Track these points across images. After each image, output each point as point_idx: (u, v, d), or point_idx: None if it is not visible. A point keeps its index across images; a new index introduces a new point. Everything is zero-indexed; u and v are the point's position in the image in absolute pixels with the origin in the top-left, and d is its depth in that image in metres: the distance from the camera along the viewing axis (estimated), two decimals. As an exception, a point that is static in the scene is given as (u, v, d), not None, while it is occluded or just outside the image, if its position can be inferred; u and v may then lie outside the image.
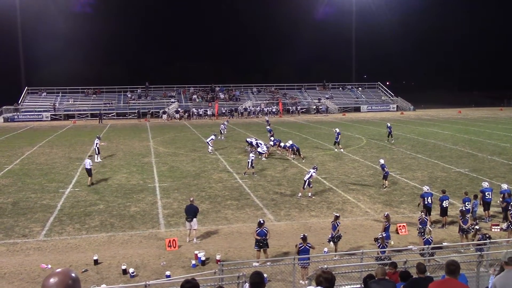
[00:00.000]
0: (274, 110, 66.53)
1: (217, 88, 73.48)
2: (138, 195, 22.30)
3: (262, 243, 14.66)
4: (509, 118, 58.32)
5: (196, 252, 14.78)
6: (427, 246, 14.59)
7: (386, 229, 15.10)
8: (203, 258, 14.62)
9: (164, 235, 16.79)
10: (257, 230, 14.76)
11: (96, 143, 31.42)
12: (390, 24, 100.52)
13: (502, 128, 46.40)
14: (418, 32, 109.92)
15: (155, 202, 21.25)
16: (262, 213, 19.51)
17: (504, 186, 19.03)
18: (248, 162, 26.21)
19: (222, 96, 71.02)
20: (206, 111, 64.29)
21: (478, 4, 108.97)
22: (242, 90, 74.80)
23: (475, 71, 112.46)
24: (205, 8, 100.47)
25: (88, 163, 24.56)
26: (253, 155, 27.04)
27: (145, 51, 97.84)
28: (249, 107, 66.53)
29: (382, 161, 24.17)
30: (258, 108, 66.72)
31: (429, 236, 14.88)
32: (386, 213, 16.10)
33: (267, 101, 70.08)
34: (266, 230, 14.73)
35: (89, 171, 24.40)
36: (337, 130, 34.41)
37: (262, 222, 14.92)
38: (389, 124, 39.26)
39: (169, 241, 15.64)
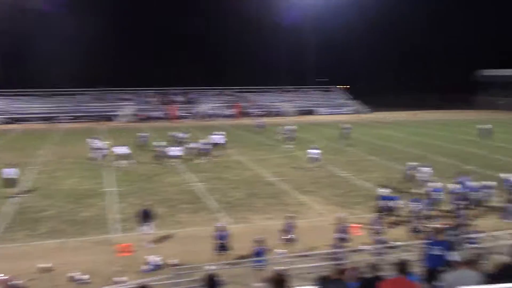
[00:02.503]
0: (232, 113, 66.58)
1: (174, 91, 72.92)
2: (90, 200, 21.88)
3: (222, 247, 14.64)
4: (460, 121, 60.22)
5: (151, 257, 14.60)
6: (380, 245, 14.91)
7: (339, 231, 15.33)
8: (158, 263, 14.46)
9: (117, 241, 16.51)
10: (217, 233, 14.74)
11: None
12: (349, 28, 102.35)
13: (454, 131, 47.82)
14: (377, 35, 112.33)
15: (108, 206, 20.89)
16: (218, 216, 19.48)
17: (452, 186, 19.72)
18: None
19: (179, 99, 70.56)
20: (164, 113, 63.79)
21: (438, 10, 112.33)
22: (200, 92, 74.48)
23: (433, 74, 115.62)
24: (160, 8, 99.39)
25: (10, 172, 22.91)
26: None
27: (101, 53, 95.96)
28: (206, 110, 66.39)
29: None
30: (216, 111, 66.64)
31: (382, 236, 15.21)
32: (339, 214, 16.37)
33: (225, 104, 70.04)
34: (226, 234, 14.74)
35: (10, 181, 22.57)
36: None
37: (222, 225, 14.94)
38: (346, 126, 39.99)
39: (123, 247, 15.39)
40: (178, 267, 13.81)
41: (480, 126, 41.78)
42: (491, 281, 6.85)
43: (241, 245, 16.05)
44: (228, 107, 68.85)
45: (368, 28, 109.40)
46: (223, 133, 37.54)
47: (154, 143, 34.02)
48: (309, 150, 29.92)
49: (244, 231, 17.70)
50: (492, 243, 14.37)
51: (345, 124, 44.11)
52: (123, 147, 31.68)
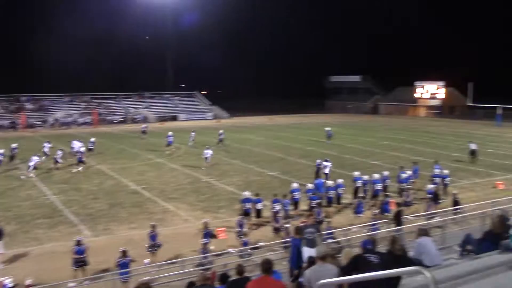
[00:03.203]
0: (88, 120, 63.67)
1: (24, 98, 67.73)
2: None
3: (80, 262, 13.93)
4: (312, 124, 63.99)
5: (1, 279, 13.40)
6: (245, 247, 15.30)
7: (205, 235, 15.45)
8: (10, 285, 13.30)
9: (-38, 264, 14.90)
10: (74, 248, 13.98)
11: None
12: (207, 34, 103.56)
13: (307, 133, 50.70)
14: (235, 42, 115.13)
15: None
16: (78, 229, 18.52)
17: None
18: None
19: (29, 106, 65.71)
20: (13, 122, 58.98)
21: (291, 16, 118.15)
22: (53, 99, 70.11)
23: (286, 80, 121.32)
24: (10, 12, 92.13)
25: None
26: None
27: None
28: (60, 117, 62.72)
29: None
30: (71, 118, 63.24)
31: (247, 238, 15.63)
32: (204, 219, 16.51)
33: (81, 111, 66.75)
34: (84, 248, 14.05)
35: None
36: None
37: (79, 239, 14.19)
38: (220, 131, 41.28)
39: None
40: (32, 287, 12.87)
41: (327, 129, 44.87)
42: (344, 273, 7.37)
43: (105, 258, 15.42)
44: (84, 114, 65.71)
45: (227, 35, 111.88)
46: (93, 139, 37.67)
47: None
48: (205, 151, 31.39)
49: (107, 243, 17.03)
50: (346, 237, 15.48)
51: (220, 130, 44.63)
52: None
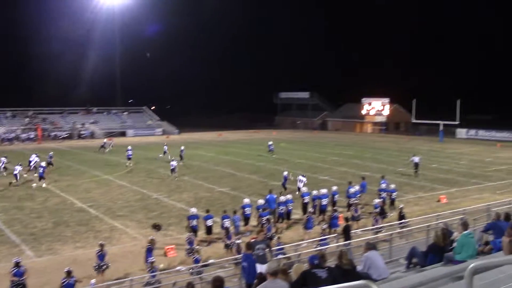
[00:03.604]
0: (32, 136, 61.64)
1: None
2: None
3: (19, 285, 13.35)
4: (262, 140, 64.41)
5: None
6: (195, 265, 15.13)
7: (148, 252, 15.20)
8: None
9: None
10: (13, 270, 13.40)
11: None
12: (155, 50, 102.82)
13: (257, 149, 50.97)
14: (181, 57, 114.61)
15: None
16: (20, 250, 17.80)
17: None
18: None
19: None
20: None
21: (241, 32, 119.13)
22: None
23: (235, 96, 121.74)
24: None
25: None
26: None
27: None
28: (2, 133, 60.42)
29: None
30: (13, 134, 61.03)
31: (198, 255, 15.46)
32: (151, 236, 16.26)
33: (24, 127, 64.54)
34: (23, 270, 13.48)
35: None
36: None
37: (17, 261, 13.62)
38: (182, 148, 41.56)
39: None
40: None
41: (269, 143, 46.15)
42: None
43: (48, 279, 14.89)
44: (28, 130, 63.56)
45: (176, 51, 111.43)
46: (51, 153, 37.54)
47: None
48: (171, 162, 33.11)
49: (51, 264, 16.45)
50: (297, 252, 15.59)
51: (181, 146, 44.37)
52: None
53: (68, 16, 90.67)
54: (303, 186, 25.16)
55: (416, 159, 34.64)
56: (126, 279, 14.40)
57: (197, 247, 16.20)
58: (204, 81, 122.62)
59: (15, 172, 30.19)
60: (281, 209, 21.06)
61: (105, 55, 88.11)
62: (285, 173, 28.35)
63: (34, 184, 29.90)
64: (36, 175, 31.58)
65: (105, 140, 50.14)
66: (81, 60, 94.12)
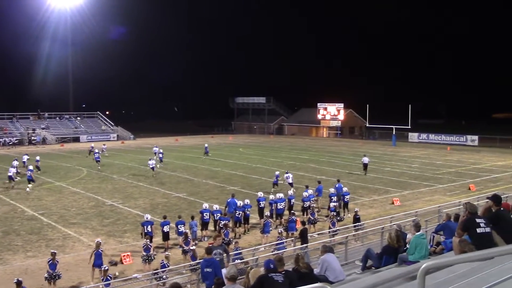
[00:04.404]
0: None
1: None
2: None
3: None
4: (218, 145, 64.33)
5: None
6: (153, 271, 14.93)
7: (97, 257, 14.93)
8: None
9: None
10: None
11: None
12: (109, 55, 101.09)
13: (213, 154, 50.80)
14: (136, 62, 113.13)
15: None
16: (-33, 260, 17.09)
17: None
18: None
19: None
20: None
21: (197, 37, 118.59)
22: None
23: (192, 101, 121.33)
24: None
25: None
26: None
27: None
28: None
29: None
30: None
31: (166, 261, 15.04)
32: (97, 240, 16.01)
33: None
34: None
35: None
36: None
37: None
38: (159, 150, 43.83)
39: None
40: None
41: (206, 145, 49.49)
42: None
43: (-3, 291, 14.38)
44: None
45: (130, 56, 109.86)
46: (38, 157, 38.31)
47: None
48: (149, 162, 36.08)
49: (1, 275, 15.87)
50: (254, 257, 15.60)
51: (158, 148, 45.17)
52: None
53: (19, 19, 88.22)
54: (292, 180, 29.20)
55: (366, 159, 37.14)
56: (80, 287, 14.08)
57: (167, 253, 15.87)
58: (159, 87, 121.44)
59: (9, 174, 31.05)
60: (238, 214, 21.04)
61: (57, 59, 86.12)
62: (277, 172, 30.74)
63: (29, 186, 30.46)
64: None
65: (92, 145, 49.26)
66: (33, 63, 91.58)
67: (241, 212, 20.99)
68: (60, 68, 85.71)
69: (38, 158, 38.67)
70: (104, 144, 52.55)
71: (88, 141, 67.42)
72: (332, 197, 23.60)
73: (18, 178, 32.73)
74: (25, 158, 38.25)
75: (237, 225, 21.01)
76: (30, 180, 30.74)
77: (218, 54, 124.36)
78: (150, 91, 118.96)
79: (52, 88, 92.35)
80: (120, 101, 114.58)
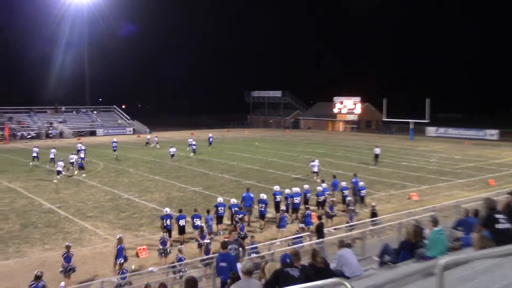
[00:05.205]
0: (-2, 136, 60.27)
1: None
2: None
3: None
4: (234, 139, 64.39)
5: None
6: (168, 265, 15.02)
7: (119, 252, 15.04)
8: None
9: None
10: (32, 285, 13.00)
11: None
12: (125, 49, 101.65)
13: (230, 148, 50.88)
14: (151, 58, 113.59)
15: None
16: (-14, 253, 17.36)
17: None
18: None
19: None
20: None
21: (214, 31, 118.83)
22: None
23: (207, 95, 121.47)
24: None
25: None
26: None
27: None
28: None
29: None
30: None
31: (181, 255, 15.12)
32: (118, 235, 16.10)
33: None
34: (41, 285, 13.03)
35: None
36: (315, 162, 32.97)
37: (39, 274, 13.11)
38: (192, 141, 46.68)
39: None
40: None
41: (210, 135, 50.19)
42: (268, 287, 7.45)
43: (15, 282, 14.58)
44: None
45: (147, 50, 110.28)
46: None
47: None
48: (170, 149, 39.73)
49: (18, 267, 16.12)
50: (270, 251, 15.61)
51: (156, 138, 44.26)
52: None
53: (35, 14, 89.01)
54: (317, 169, 30.97)
55: (377, 150, 38.20)
56: (95, 280, 14.22)
57: (180, 246, 15.98)
58: (174, 81, 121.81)
59: (58, 168, 32.18)
60: (261, 207, 20.93)
61: (74, 53, 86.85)
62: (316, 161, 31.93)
63: (76, 172, 33.78)
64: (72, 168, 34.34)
65: (148, 136, 52.16)
66: (49, 58, 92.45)
67: (263, 205, 20.89)
68: (77, 62, 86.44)
69: (76, 155, 36.58)
70: (156, 136, 53.58)
71: (105, 135, 68.05)
72: (344, 191, 23.55)
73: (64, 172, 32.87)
74: (52, 153, 37.66)
75: (263, 219, 20.88)
76: (81, 167, 34.09)
77: (234, 47, 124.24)
78: (165, 85, 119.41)
79: (69, 82, 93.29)
80: (136, 95, 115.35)
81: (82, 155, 36.72)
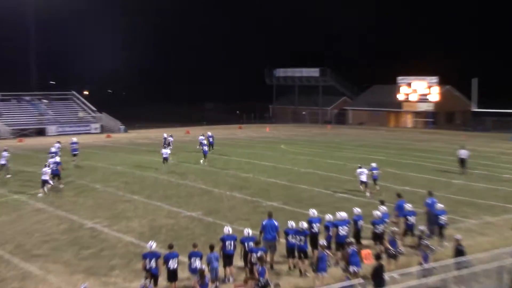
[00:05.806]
0: None
1: None
2: None
3: None
4: (249, 139, 64.34)
5: None
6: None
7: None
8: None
9: None
10: None
11: None
12: (87, 9, 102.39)
13: (243, 153, 50.82)
14: (128, 19, 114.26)
15: None
16: None
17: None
18: None
19: None
20: None
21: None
22: None
23: (211, 78, 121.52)
24: None
25: None
26: None
27: None
28: None
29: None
30: None
31: None
32: (82, 285, 16.10)
33: None
34: None
35: None
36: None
37: None
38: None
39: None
40: None
41: (209, 133, 47.41)
42: None
43: None
44: None
45: (117, 9, 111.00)
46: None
47: None
48: (162, 150, 42.69)
49: None
50: None
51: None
52: None
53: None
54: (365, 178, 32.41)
55: (463, 153, 38.71)
56: None
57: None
58: (164, 59, 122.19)
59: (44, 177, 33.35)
60: (294, 239, 20.72)
61: (15, 26, 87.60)
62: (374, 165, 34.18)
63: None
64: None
65: (164, 135, 53.89)
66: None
67: (301, 237, 20.62)
68: (17, 29, 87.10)
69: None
70: (171, 135, 54.49)
71: (60, 134, 68.08)
72: (409, 217, 23.26)
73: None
74: (4, 158, 39.05)
75: (301, 257, 20.63)
76: (57, 174, 35.26)
77: (250, 8, 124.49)
78: (149, 64, 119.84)
79: (5, 58, 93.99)
80: (105, 76, 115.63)
81: (57, 159, 37.10)
